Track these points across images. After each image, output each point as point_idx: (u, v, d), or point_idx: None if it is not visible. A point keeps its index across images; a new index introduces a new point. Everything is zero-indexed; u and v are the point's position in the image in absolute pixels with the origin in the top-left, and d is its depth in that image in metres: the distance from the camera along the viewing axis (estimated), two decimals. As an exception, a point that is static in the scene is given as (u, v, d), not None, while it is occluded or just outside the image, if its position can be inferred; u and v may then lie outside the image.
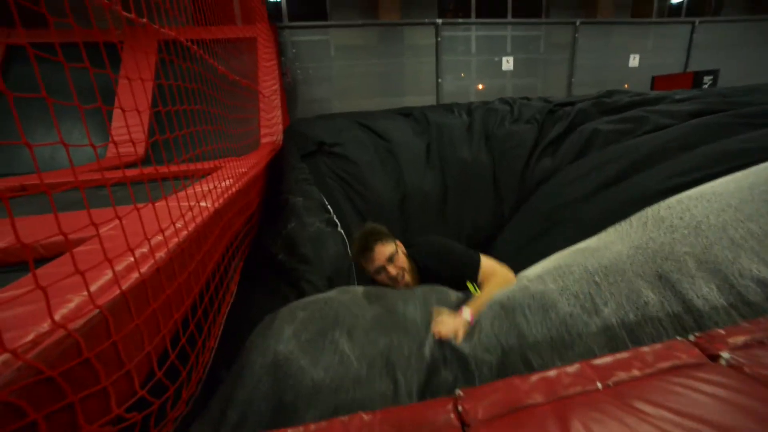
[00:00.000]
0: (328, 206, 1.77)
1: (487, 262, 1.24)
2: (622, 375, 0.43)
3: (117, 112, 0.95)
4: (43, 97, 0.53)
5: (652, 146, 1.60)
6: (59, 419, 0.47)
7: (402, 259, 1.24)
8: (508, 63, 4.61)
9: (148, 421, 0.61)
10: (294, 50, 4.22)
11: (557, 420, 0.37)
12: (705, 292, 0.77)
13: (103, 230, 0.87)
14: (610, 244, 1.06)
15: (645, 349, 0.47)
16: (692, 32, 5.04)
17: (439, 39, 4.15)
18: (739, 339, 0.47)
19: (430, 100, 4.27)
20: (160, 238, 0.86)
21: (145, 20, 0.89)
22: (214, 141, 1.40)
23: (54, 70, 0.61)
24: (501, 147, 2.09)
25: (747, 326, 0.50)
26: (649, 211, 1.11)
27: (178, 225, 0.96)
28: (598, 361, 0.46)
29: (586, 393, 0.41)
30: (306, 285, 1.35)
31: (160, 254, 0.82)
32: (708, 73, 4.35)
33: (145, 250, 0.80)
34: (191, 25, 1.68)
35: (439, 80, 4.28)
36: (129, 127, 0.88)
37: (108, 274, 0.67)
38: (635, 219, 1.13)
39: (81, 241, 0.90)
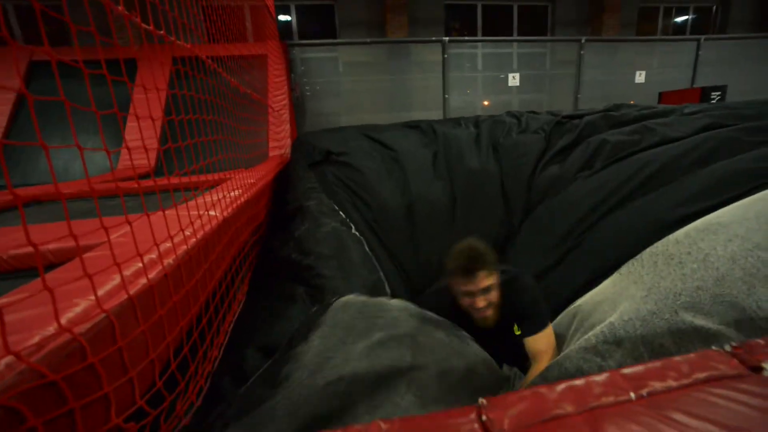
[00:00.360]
0: (339, 212, 1.76)
1: (548, 334, 1.19)
2: (656, 385, 0.40)
3: (131, 126, 0.96)
4: (60, 112, 0.53)
5: (664, 160, 1.58)
6: (59, 426, 0.45)
7: (495, 295, 1.18)
8: (514, 79, 4.66)
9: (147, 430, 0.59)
10: (303, 67, 4.32)
11: (591, 431, 0.34)
12: (723, 330, 0.75)
13: (113, 236, 0.87)
14: (624, 290, 1.07)
15: (678, 358, 0.44)
16: (698, 49, 5.07)
17: (446, 56, 4.22)
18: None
19: (436, 115, 4.31)
20: (168, 245, 0.86)
21: (162, 32, 0.91)
22: (225, 153, 1.42)
23: (73, 85, 0.63)
24: (508, 156, 2.09)
25: None
26: (660, 247, 1.11)
27: (187, 233, 0.96)
28: (629, 371, 0.43)
29: (620, 403, 0.38)
30: (321, 281, 1.29)
31: (168, 261, 0.81)
32: (715, 89, 4.34)
33: (153, 256, 0.79)
34: (205, 41, 1.73)
35: (446, 96, 4.33)
36: (143, 139, 0.88)
37: (116, 279, 0.66)
38: (646, 257, 1.14)
39: (91, 248, 0.90)
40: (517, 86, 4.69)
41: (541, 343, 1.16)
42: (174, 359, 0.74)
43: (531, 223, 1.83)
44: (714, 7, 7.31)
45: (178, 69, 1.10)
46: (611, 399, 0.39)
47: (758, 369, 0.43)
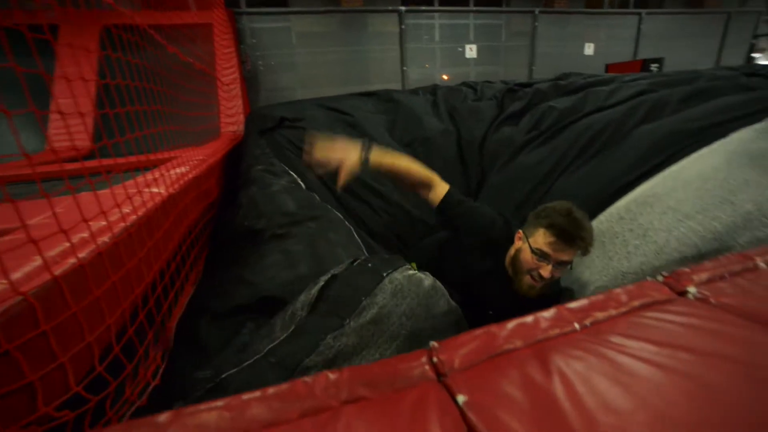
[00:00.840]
0: (290, 172, 1.69)
1: None
2: (598, 315, 0.43)
3: (56, 100, 0.84)
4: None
5: (605, 124, 1.66)
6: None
7: (559, 274, 1.01)
8: (471, 51, 4.66)
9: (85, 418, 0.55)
10: (254, 38, 4.03)
11: (537, 361, 0.35)
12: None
13: (36, 219, 0.77)
14: (580, 276, 1.11)
15: (618, 290, 0.47)
16: (640, 23, 5.33)
17: (403, 27, 4.12)
18: (703, 275, 0.49)
19: (395, 88, 4.24)
20: (103, 223, 0.78)
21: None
22: (168, 129, 1.30)
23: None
24: (464, 121, 2.12)
25: (709, 264, 0.51)
26: (605, 224, 1.16)
27: (126, 210, 0.88)
28: (575, 305, 0.45)
29: (565, 334, 0.40)
30: (274, 239, 1.25)
31: (104, 239, 0.74)
32: (654, 60, 4.62)
33: (85, 234, 0.72)
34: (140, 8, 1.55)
35: (404, 68, 4.25)
36: (70, 115, 0.77)
37: (37, 260, 0.59)
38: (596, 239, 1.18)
39: (8, 231, 0.80)
40: (474, 58, 4.70)
41: None
42: (118, 342, 0.69)
43: (489, 191, 1.87)
44: (654, -18, 7.65)
45: (111, 35, 0.98)
46: (557, 331, 0.41)
47: (684, 293, 0.47)
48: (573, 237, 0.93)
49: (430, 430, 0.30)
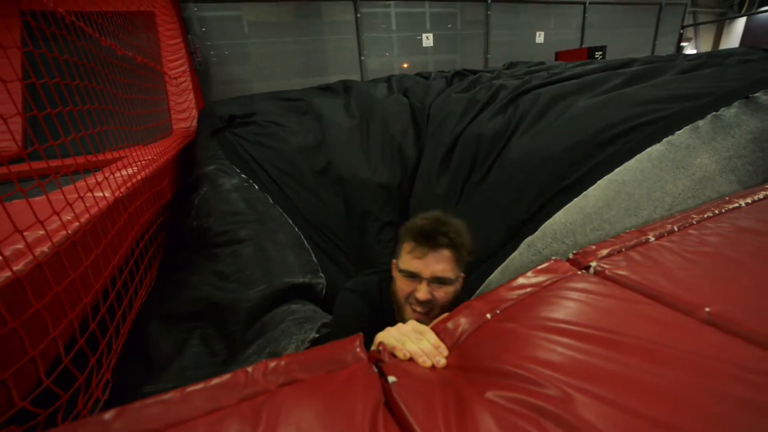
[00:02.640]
0: (240, 173, 1.68)
1: None
2: (508, 303, 0.49)
3: None
4: None
5: (551, 93, 1.73)
6: None
7: (448, 297, 0.83)
8: (428, 39, 4.71)
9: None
10: (203, 28, 3.83)
11: (457, 353, 0.40)
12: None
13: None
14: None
15: (529, 273, 0.53)
16: (584, 12, 5.61)
17: (358, 15, 4.08)
18: (605, 251, 0.56)
19: (354, 78, 4.22)
20: (41, 232, 0.75)
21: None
22: (112, 127, 1.23)
23: None
24: (415, 94, 2.24)
25: (612, 240, 0.59)
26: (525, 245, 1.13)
27: (67, 217, 0.84)
28: (489, 297, 0.50)
29: (480, 327, 0.45)
30: (221, 239, 1.23)
31: (43, 249, 0.71)
32: (598, 49, 4.90)
33: (20, 246, 0.69)
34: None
35: (362, 58, 4.23)
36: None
37: (-33, 276, 0.57)
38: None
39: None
40: (431, 47, 4.76)
41: None
42: (66, 355, 0.68)
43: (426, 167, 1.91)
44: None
45: (31, 25, 0.91)
46: (474, 326, 0.46)
47: (587, 267, 0.54)
48: (431, 234, 0.80)
49: (353, 399, 0.34)
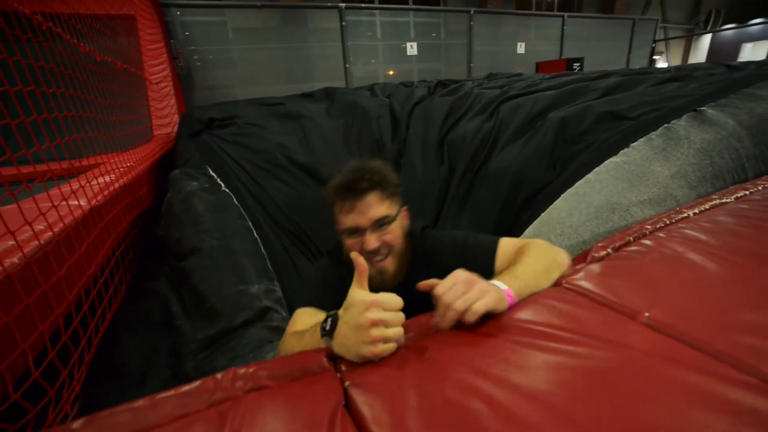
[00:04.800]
0: (211, 172, 1.66)
1: (509, 241, 0.81)
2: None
3: None
4: None
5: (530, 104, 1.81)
6: None
7: (396, 234, 0.80)
8: (412, 48, 4.79)
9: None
10: (186, 32, 3.80)
11: (415, 351, 0.43)
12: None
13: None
14: None
15: None
16: (563, 25, 5.83)
17: (343, 23, 4.12)
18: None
19: (339, 85, 4.26)
20: (10, 242, 0.74)
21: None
22: (88, 135, 1.22)
23: None
24: (397, 99, 2.28)
25: (578, 256, 0.64)
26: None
27: (40, 227, 0.83)
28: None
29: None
30: (177, 247, 1.21)
31: (13, 260, 0.71)
32: (576, 60, 5.08)
33: (-11, 257, 0.68)
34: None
35: (347, 65, 4.27)
36: None
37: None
38: None
39: None
40: (415, 55, 4.84)
41: (508, 251, 0.79)
42: (36, 368, 0.67)
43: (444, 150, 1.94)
44: (574, -13, 8.39)
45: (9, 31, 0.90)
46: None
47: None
48: (352, 183, 0.76)
49: (314, 403, 0.36)
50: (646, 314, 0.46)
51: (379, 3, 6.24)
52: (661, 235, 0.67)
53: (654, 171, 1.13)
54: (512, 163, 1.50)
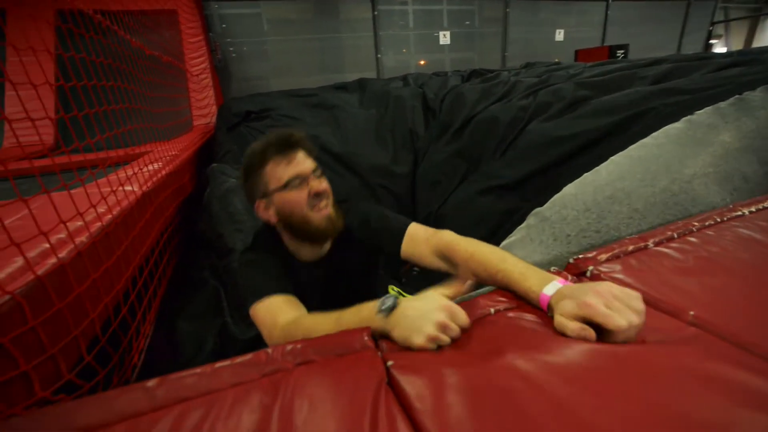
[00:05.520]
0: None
1: (419, 226, 0.84)
2: (511, 302, 0.52)
3: (11, 95, 0.85)
4: None
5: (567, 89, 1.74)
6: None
7: (327, 184, 0.83)
8: (445, 37, 4.69)
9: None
10: (223, 24, 3.93)
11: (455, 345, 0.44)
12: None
13: (8, 221, 0.80)
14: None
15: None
16: (607, 9, 5.48)
17: (375, 13, 4.10)
18: (604, 256, 0.59)
19: (371, 76, 4.25)
20: (80, 223, 0.82)
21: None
22: (137, 124, 1.31)
23: None
24: (430, 87, 2.27)
25: (612, 245, 0.62)
26: (571, 213, 1.00)
27: (101, 210, 0.91)
28: (494, 296, 0.54)
29: (483, 318, 0.49)
30: (221, 242, 1.25)
31: (82, 239, 0.78)
32: (620, 47, 4.78)
33: (62, 235, 0.76)
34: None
35: (379, 56, 4.26)
36: (29, 111, 0.78)
37: (19, 261, 0.63)
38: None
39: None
40: (448, 44, 4.74)
41: (419, 231, 0.82)
42: (103, 336, 0.74)
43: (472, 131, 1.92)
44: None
45: (67, 27, 0.98)
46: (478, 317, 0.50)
47: (584, 273, 0.57)
48: (287, 140, 0.78)
49: (358, 378, 0.39)
50: (691, 313, 0.45)
51: (412, -9, 6.11)
52: (710, 233, 0.64)
53: (722, 141, 1.00)
54: (545, 133, 1.43)
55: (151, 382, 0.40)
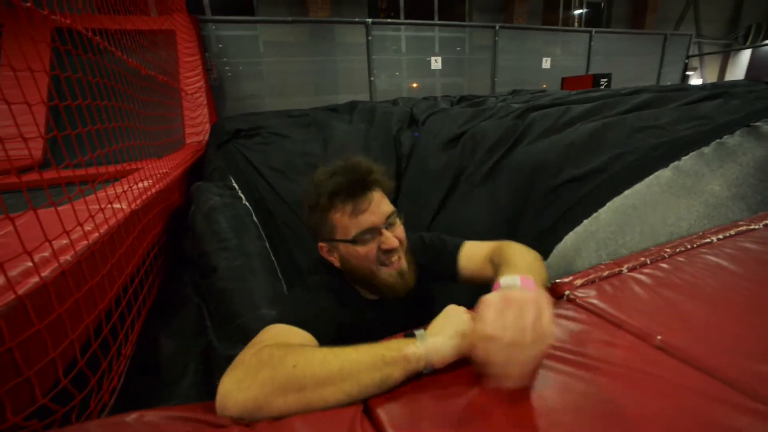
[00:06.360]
0: (234, 183, 1.73)
1: (475, 243, 0.79)
2: None
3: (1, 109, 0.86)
4: None
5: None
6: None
7: (402, 231, 0.74)
8: (436, 62, 4.86)
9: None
10: (220, 45, 4.01)
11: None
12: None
13: (-8, 237, 0.80)
14: None
15: None
16: (590, 40, 5.76)
17: (369, 38, 4.24)
18: (580, 281, 0.61)
19: (363, 98, 4.36)
20: (65, 241, 0.82)
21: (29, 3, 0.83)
22: (129, 141, 1.32)
23: None
24: (420, 109, 2.35)
25: (588, 271, 0.64)
26: (601, 232, 1.05)
27: (88, 227, 0.91)
28: None
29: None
30: (203, 260, 1.23)
31: (66, 257, 0.78)
32: (603, 76, 5.00)
33: (46, 254, 0.75)
34: (93, 12, 1.55)
35: (372, 78, 4.38)
36: (20, 126, 0.79)
37: None
38: None
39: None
40: (439, 69, 4.91)
41: (475, 247, 0.77)
42: (82, 357, 0.73)
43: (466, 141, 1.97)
44: (602, 3, 8.30)
45: (63, 47, 1.00)
46: None
47: (561, 296, 0.59)
48: (361, 183, 0.68)
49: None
50: (659, 337, 0.47)
51: (405, 18, 6.37)
52: (681, 259, 0.67)
53: (711, 191, 1.03)
54: (538, 153, 1.44)
55: (131, 416, 0.39)
